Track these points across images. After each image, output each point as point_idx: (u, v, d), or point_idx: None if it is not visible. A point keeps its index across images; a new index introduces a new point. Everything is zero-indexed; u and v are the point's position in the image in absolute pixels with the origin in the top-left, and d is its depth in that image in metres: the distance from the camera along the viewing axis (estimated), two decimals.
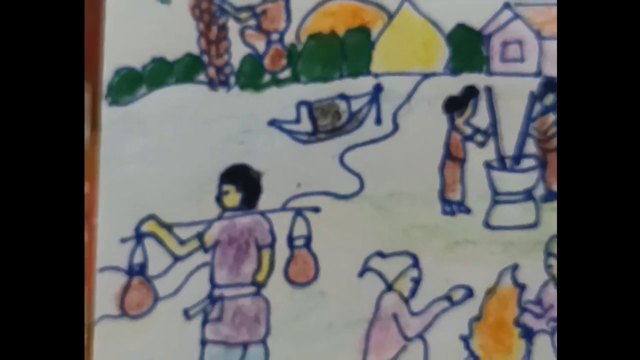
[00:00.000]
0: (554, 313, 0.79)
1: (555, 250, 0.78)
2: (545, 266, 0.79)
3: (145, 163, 0.80)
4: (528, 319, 0.80)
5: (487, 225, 0.80)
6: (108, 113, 0.81)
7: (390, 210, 0.80)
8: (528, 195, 0.80)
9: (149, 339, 0.78)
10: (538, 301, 0.80)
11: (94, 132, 0.80)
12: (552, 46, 0.80)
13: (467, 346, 0.79)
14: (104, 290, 0.79)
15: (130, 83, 0.81)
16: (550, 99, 0.80)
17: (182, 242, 0.80)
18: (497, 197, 0.80)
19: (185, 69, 0.81)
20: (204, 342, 0.79)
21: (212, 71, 0.81)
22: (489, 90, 0.81)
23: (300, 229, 0.81)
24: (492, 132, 0.81)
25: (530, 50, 0.81)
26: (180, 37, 0.81)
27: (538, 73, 0.81)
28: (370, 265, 0.80)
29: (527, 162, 0.81)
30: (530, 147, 0.81)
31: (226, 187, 0.81)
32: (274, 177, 0.81)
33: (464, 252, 0.80)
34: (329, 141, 0.81)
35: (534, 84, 0.81)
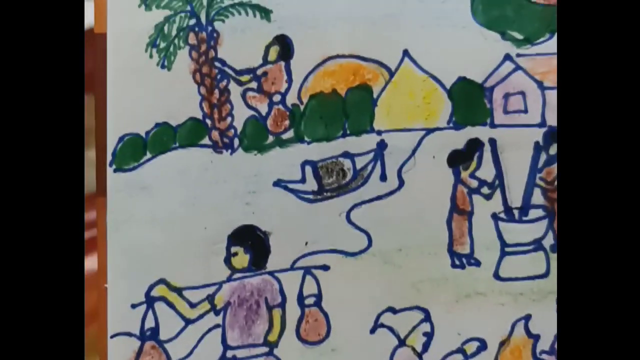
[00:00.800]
0: None
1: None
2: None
3: (153, 227, 0.82)
4: None
5: (497, 276, 0.81)
6: (113, 179, 0.83)
7: (399, 265, 0.81)
8: (537, 245, 0.81)
9: None
10: (552, 351, 0.81)
11: (101, 199, 0.83)
12: (554, 96, 0.81)
13: None
14: (116, 356, 0.82)
15: (134, 149, 0.83)
16: (555, 148, 0.81)
17: (192, 305, 0.82)
18: (506, 249, 0.81)
19: (188, 133, 0.83)
20: None
21: (215, 134, 0.83)
22: (493, 142, 0.81)
23: (310, 288, 0.82)
24: (498, 183, 0.82)
25: (533, 100, 0.81)
26: (182, 102, 0.83)
27: (542, 123, 0.81)
28: (381, 321, 0.81)
29: (535, 213, 0.82)
30: (538, 197, 0.82)
31: (234, 249, 0.82)
32: (281, 236, 0.82)
33: (474, 304, 0.81)
34: (335, 199, 0.82)
35: (538, 134, 0.81)
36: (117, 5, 0.83)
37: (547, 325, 0.80)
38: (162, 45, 0.83)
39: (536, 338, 0.81)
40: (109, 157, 0.83)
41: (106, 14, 0.83)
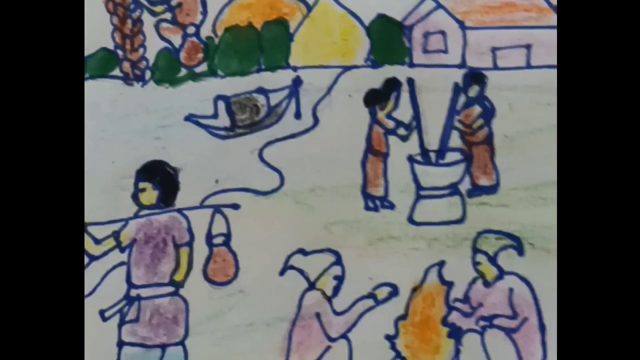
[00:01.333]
0: (483, 311, 0.80)
1: (482, 246, 0.81)
2: (473, 263, 0.80)
3: None
4: (456, 318, 0.81)
5: (412, 220, 0.82)
6: None
7: (312, 206, 0.82)
8: (454, 189, 0.82)
9: None
10: (466, 299, 0.81)
11: None
12: (475, 36, 0.83)
13: (393, 346, 0.81)
14: None
15: None
16: (474, 90, 0.82)
17: (97, 241, 0.83)
18: (421, 192, 0.82)
19: (99, 64, 0.84)
20: (120, 344, 0.82)
21: (126, 65, 0.84)
22: (411, 82, 0.83)
23: (219, 227, 0.82)
24: (415, 125, 0.83)
25: (454, 41, 0.83)
26: (94, 32, 0.83)
27: (462, 64, 0.83)
28: (291, 263, 0.81)
29: (451, 156, 0.83)
30: (455, 140, 0.83)
31: (142, 184, 0.83)
32: (191, 173, 0.83)
33: (387, 248, 0.81)
34: (247, 136, 0.84)
35: (457, 75, 0.83)
36: None
37: (461, 272, 0.81)
38: None
39: (450, 285, 0.81)
40: None
41: None
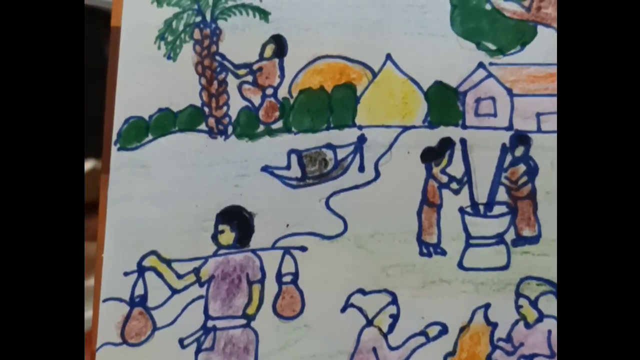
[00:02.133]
0: (524, 350, 0.83)
1: (524, 291, 0.84)
2: (516, 306, 0.83)
3: (149, 203, 0.88)
4: (499, 356, 0.82)
5: (461, 266, 0.84)
6: (117, 157, 0.89)
7: (372, 250, 0.85)
8: (499, 239, 0.85)
9: None
10: (509, 339, 0.83)
11: (104, 175, 0.89)
12: (521, 103, 0.86)
13: None
14: (107, 319, 0.86)
15: (138, 130, 0.89)
16: (520, 150, 0.86)
17: (179, 277, 0.87)
18: (470, 241, 0.85)
19: (188, 119, 0.89)
20: None
21: (212, 121, 0.89)
22: (463, 142, 0.86)
23: (288, 267, 0.85)
24: (467, 180, 0.86)
25: (502, 106, 0.86)
26: (184, 91, 0.89)
27: (509, 127, 0.86)
28: (352, 301, 0.83)
29: (498, 209, 0.86)
30: (502, 195, 0.86)
31: (222, 227, 0.87)
32: (265, 218, 0.87)
33: (439, 290, 0.84)
34: (316, 186, 0.87)
35: (505, 137, 0.86)
36: (131, 2, 0.91)
37: (504, 314, 0.84)
38: (170, 38, 0.90)
39: (494, 325, 0.83)
40: (114, 137, 0.89)
41: (122, 9, 0.91)
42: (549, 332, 0.82)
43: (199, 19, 0.90)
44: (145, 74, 0.89)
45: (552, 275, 0.83)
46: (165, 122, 0.89)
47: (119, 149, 0.89)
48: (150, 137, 0.89)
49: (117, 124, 0.89)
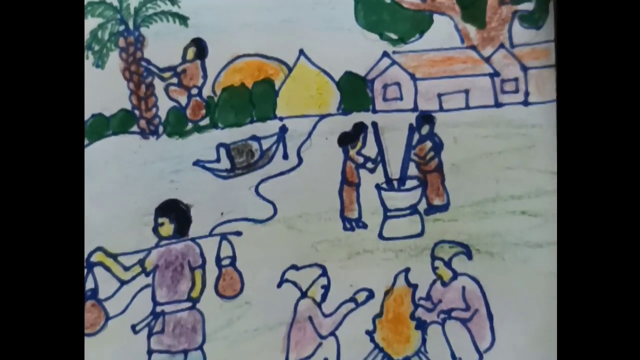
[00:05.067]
0: (442, 306, 0.88)
1: (438, 254, 0.89)
2: (432, 268, 0.89)
3: (91, 203, 0.88)
4: (421, 313, 0.88)
5: (381, 236, 0.89)
6: None
7: (300, 229, 0.89)
8: (413, 210, 0.90)
9: (103, 352, 0.87)
10: (428, 297, 0.88)
11: None
12: (424, 86, 0.92)
13: (372, 339, 0.87)
14: None
15: None
16: (425, 129, 0.90)
17: (126, 268, 0.89)
18: (388, 213, 0.90)
19: (120, 122, 0.92)
20: (150, 352, 0.87)
21: (143, 123, 0.92)
22: (375, 125, 0.90)
23: (226, 251, 0.89)
24: (380, 159, 0.90)
25: (407, 90, 0.91)
26: (114, 96, 0.92)
27: (415, 109, 0.91)
28: (286, 277, 0.88)
29: (410, 183, 0.90)
30: (413, 170, 0.90)
31: (161, 220, 0.90)
32: (201, 208, 0.89)
33: (363, 260, 0.88)
34: (245, 175, 0.90)
35: (411, 117, 0.91)
36: None
37: (423, 275, 0.88)
38: (97, 48, 0.93)
39: (415, 287, 0.88)
40: None
41: None
42: (463, 288, 0.88)
43: (122, 27, 0.93)
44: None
45: (463, 238, 0.88)
46: (99, 127, 0.92)
47: None
48: (87, 141, 0.91)
49: None
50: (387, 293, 0.88)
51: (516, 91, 0.89)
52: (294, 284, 0.88)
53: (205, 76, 0.91)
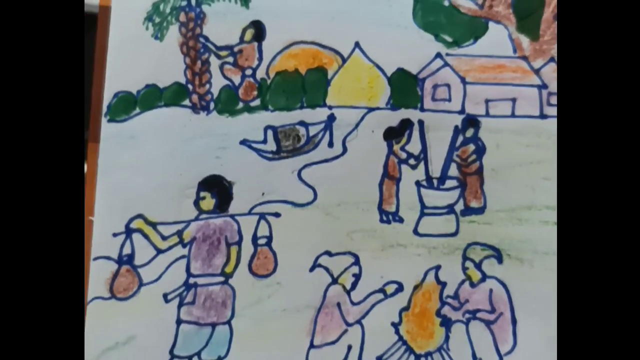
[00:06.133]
0: (468, 306, 0.88)
1: (470, 255, 0.88)
2: (463, 268, 0.88)
3: (136, 171, 0.91)
4: (447, 311, 0.88)
5: (416, 232, 0.89)
6: (107, 128, 0.95)
7: (338, 217, 0.89)
8: (450, 209, 0.90)
9: (133, 318, 0.88)
10: (455, 296, 0.88)
11: (94, 144, 0.94)
12: (473, 90, 0.93)
13: (397, 331, 0.87)
14: (97, 276, 0.90)
15: (126, 104, 0.95)
16: (470, 132, 0.91)
17: (164, 238, 0.90)
18: (425, 210, 0.90)
19: (172, 95, 0.94)
20: (179, 322, 0.89)
21: (195, 97, 0.94)
22: (421, 123, 0.91)
23: (263, 230, 0.89)
24: (423, 157, 0.90)
25: (456, 92, 0.91)
26: (170, 69, 0.94)
27: (462, 111, 0.91)
28: (319, 262, 0.88)
29: (450, 183, 0.90)
30: (453, 170, 0.90)
31: (203, 194, 0.91)
32: (243, 186, 0.90)
33: (396, 253, 0.88)
34: (289, 159, 0.91)
35: (458, 119, 0.91)
36: None
37: (453, 274, 0.88)
38: (157, 20, 0.95)
39: (443, 284, 0.88)
40: (104, 110, 0.95)
41: None
42: (491, 290, 0.87)
43: (184, 3, 0.95)
44: (134, 52, 0.95)
45: (495, 242, 0.88)
46: (152, 98, 0.94)
47: (108, 121, 0.95)
48: (137, 110, 0.94)
49: (107, 97, 0.95)
50: (416, 288, 0.88)
51: None
52: (326, 269, 0.88)
53: (260, 58, 0.92)
